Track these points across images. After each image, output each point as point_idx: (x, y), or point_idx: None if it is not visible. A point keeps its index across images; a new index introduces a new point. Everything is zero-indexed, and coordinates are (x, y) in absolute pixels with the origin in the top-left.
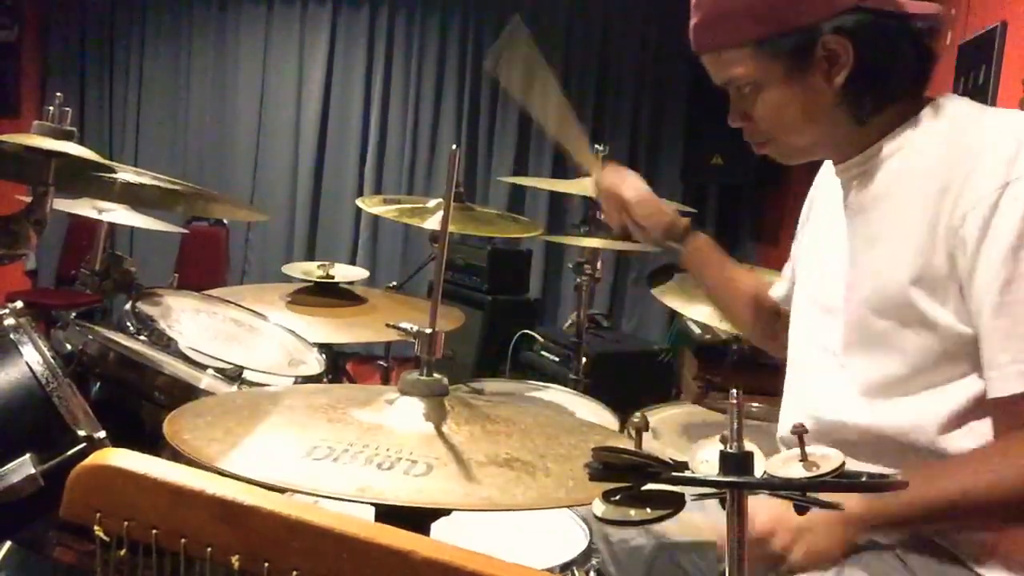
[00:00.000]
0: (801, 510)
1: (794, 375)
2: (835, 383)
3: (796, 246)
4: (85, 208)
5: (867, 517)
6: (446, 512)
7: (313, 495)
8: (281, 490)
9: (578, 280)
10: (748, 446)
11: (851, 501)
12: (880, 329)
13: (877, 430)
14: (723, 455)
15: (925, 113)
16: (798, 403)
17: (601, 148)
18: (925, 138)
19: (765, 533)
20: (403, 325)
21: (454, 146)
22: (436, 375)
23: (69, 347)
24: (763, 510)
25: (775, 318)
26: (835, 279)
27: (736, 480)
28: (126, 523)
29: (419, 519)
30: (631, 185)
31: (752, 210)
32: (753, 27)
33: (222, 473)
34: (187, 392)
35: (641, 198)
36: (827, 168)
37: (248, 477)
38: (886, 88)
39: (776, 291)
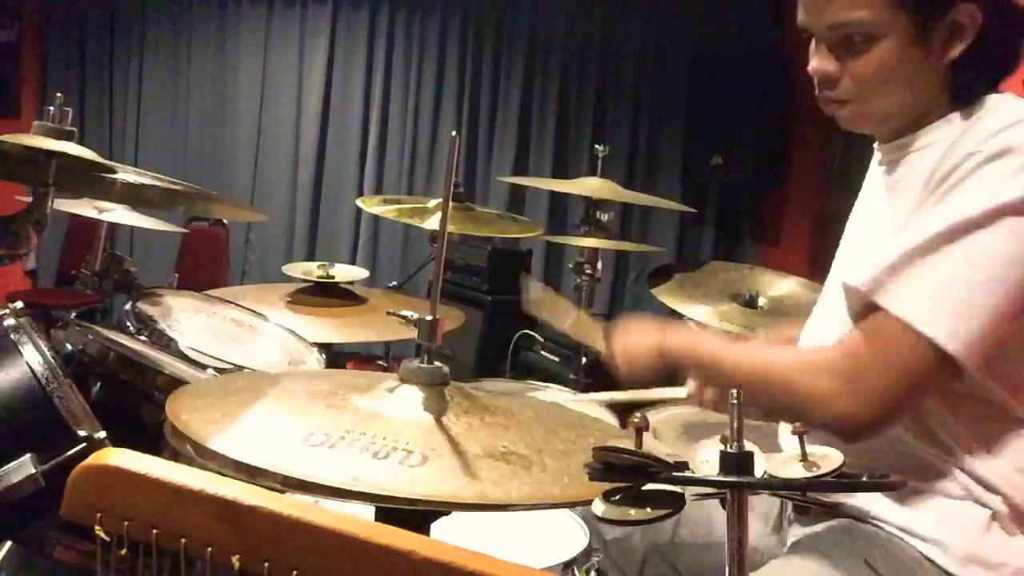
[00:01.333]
0: (802, 510)
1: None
2: None
3: None
4: (85, 208)
5: (665, 343)
6: (446, 511)
7: (306, 482)
8: (281, 489)
9: (578, 280)
10: (748, 446)
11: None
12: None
13: None
14: (723, 455)
15: (977, 105)
16: None
17: (601, 148)
18: (957, 126)
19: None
20: (403, 312)
21: (453, 132)
22: (436, 363)
23: (69, 347)
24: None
25: None
26: (857, 260)
27: (736, 480)
28: (126, 523)
29: (418, 518)
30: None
31: (752, 210)
32: None
33: (219, 458)
34: None
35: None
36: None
37: (241, 460)
38: (995, 77)
39: None
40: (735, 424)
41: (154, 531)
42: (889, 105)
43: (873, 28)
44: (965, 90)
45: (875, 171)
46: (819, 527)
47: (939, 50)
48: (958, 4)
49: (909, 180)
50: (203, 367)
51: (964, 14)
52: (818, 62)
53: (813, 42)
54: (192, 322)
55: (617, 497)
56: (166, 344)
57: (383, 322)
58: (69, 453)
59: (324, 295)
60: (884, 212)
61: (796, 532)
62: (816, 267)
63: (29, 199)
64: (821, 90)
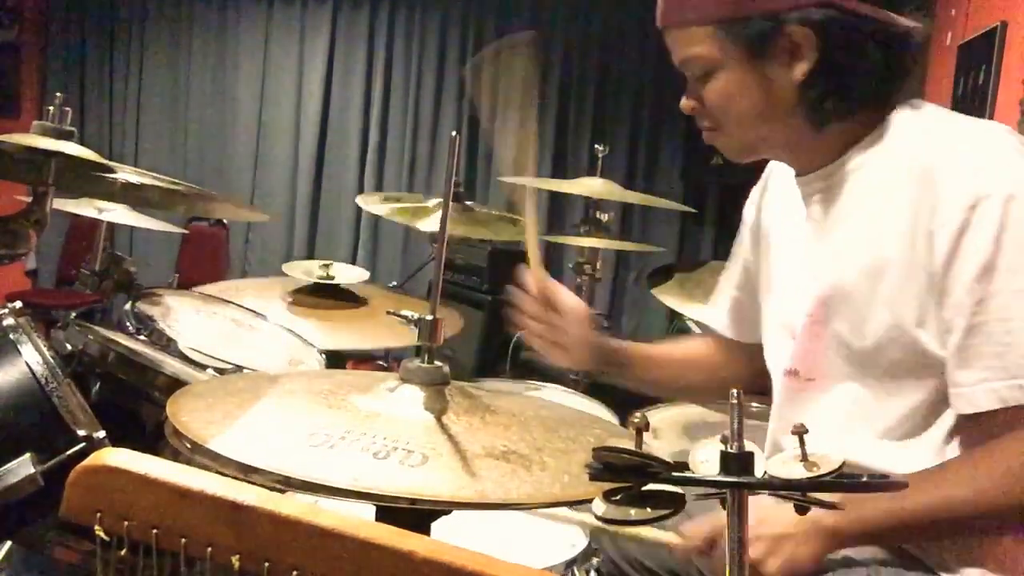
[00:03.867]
0: (801, 510)
1: (774, 400)
2: (796, 410)
3: (742, 257)
4: (85, 208)
5: (844, 527)
6: (446, 511)
7: (307, 482)
8: (281, 489)
9: (578, 280)
10: (748, 446)
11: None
12: (875, 362)
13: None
14: (723, 455)
15: (889, 124)
16: (775, 428)
17: (601, 148)
18: (890, 153)
19: None
20: (403, 313)
21: (453, 132)
22: (436, 363)
23: (69, 347)
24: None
25: (742, 353)
26: (797, 298)
27: (736, 480)
28: (126, 523)
29: (418, 518)
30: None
31: None
32: (719, 6)
33: (220, 458)
34: None
35: (578, 314)
36: (780, 169)
37: (242, 461)
38: (848, 92)
39: (715, 321)
40: (735, 424)
41: (154, 531)
42: (748, 132)
43: (710, 61)
44: (815, 108)
45: (790, 200)
46: None
47: (783, 72)
48: (785, 26)
49: (861, 209)
50: (203, 367)
51: (797, 34)
52: (683, 100)
53: None
54: (192, 322)
55: (617, 497)
56: (166, 344)
57: (383, 322)
58: (68, 453)
59: (324, 295)
60: (825, 249)
61: None
62: None
63: (29, 199)
64: (698, 123)
